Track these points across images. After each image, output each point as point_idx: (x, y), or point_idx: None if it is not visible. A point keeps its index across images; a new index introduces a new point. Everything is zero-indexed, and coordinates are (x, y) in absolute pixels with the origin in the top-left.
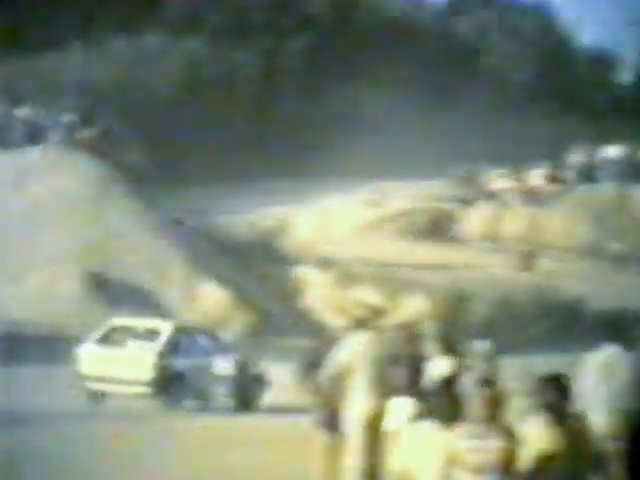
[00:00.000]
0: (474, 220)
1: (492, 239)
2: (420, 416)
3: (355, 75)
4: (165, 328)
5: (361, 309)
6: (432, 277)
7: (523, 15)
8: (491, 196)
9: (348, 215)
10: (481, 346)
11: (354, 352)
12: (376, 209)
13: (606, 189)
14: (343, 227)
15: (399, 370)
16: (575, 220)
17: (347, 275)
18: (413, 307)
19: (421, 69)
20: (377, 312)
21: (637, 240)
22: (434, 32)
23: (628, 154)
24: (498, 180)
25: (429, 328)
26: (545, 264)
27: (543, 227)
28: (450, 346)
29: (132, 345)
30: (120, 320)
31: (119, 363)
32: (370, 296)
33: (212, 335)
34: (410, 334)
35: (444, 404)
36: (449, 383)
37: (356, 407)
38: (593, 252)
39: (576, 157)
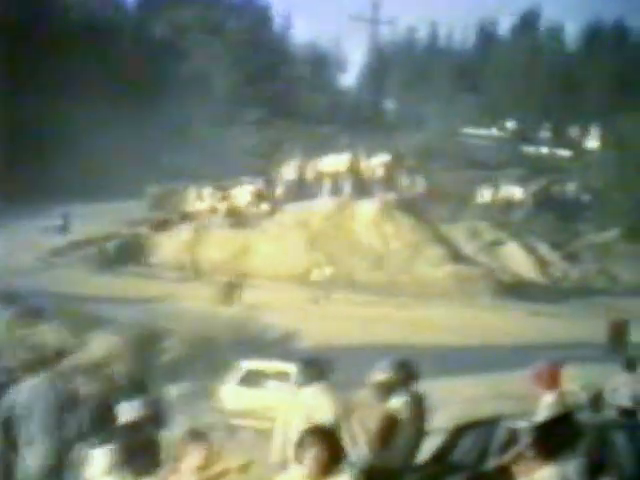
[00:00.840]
0: (170, 246)
1: (191, 267)
2: (115, 465)
3: (47, 85)
4: (292, 370)
5: (39, 349)
6: (122, 311)
7: (228, 13)
8: (190, 218)
9: (33, 243)
10: (176, 390)
11: (28, 397)
12: (63, 236)
13: (323, 206)
14: (28, 256)
15: (81, 415)
16: (286, 243)
17: (28, 310)
18: (101, 345)
19: (117, 75)
20: (57, 352)
21: (356, 263)
22: (129, 34)
23: (350, 164)
24: (199, 199)
25: (118, 368)
26: (251, 295)
27: (249, 253)
28: (142, 388)
29: (271, 386)
30: (251, 363)
31: (261, 402)
32: (52, 333)
33: None
34: (97, 375)
35: (133, 451)
36: (138, 428)
37: (31, 458)
38: (305, 280)
39: (291, 170)
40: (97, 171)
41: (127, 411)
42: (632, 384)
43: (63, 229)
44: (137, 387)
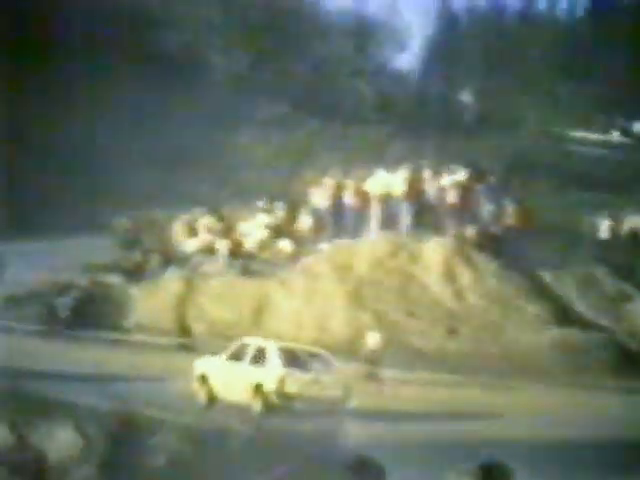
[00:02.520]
0: (151, 301)
1: (181, 331)
2: None
3: None
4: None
5: None
6: (84, 393)
7: None
8: (179, 261)
9: None
10: None
11: None
12: None
13: (372, 245)
14: None
15: None
16: (318, 298)
17: None
18: (55, 444)
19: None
20: None
21: (420, 326)
22: None
23: (410, 183)
24: (191, 234)
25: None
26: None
27: (265, 311)
28: None
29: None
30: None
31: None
32: None
33: None
34: None
35: None
36: None
37: None
38: (346, 350)
39: (324, 193)
40: (38, 195)
41: None
42: None
43: None
44: None
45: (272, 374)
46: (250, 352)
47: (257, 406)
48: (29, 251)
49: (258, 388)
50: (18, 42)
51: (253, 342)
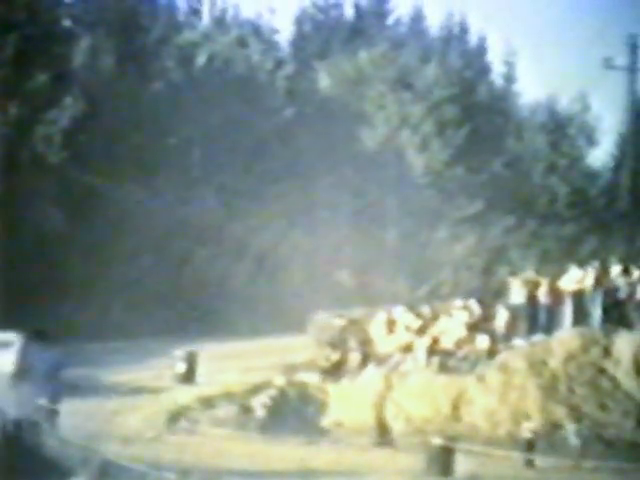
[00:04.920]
0: (350, 399)
1: (379, 428)
2: None
3: None
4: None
5: None
6: None
7: (424, 56)
8: (378, 358)
9: (145, 396)
10: None
11: None
12: (188, 387)
13: (565, 340)
14: (138, 415)
15: None
16: (514, 394)
17: None
18: None
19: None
20: None
21: (612, 419)
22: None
23: (598, 280)
24: (389, 331)
25: None
26: (468, 465)
27: (462, 407)
28: None
29: None
30: None
31: None
32: None
33: None
34: None
35: None
36: None
37: None
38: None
39: (519, 290)
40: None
41: None
42: None
43: (187, 377)
44: None
45: None
46: None
47: None
48: (221, 351)
49: None
50: None
51: None
